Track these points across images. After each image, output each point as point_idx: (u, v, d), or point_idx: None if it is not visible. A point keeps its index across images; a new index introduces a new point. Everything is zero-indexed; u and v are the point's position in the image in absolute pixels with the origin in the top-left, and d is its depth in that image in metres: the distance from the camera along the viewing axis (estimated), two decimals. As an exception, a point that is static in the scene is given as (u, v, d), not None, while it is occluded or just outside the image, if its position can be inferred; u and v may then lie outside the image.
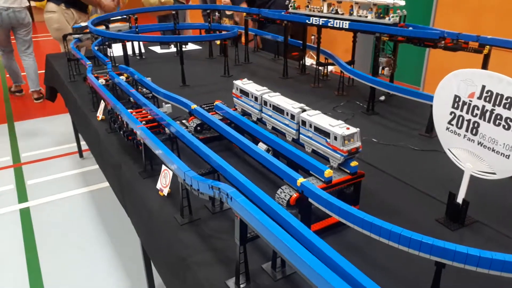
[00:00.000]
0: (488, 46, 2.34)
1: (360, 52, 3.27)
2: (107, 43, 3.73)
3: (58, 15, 4.62)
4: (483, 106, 1.34)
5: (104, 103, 2.57)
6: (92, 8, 5.02)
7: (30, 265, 3.08)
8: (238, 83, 2.13)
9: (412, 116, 2.62)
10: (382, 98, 2.92)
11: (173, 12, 4.26)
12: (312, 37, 7.61)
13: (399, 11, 2.68)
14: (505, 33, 5.30)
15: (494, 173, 1.37)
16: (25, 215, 3.71)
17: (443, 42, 2.47)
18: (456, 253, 1.05)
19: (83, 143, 4.62)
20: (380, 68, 2.77)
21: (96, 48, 3.54)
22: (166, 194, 1.72)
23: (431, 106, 2.25)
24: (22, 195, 4.02)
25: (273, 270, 1.31)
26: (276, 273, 1.29)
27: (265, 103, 1.94)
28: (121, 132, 2.15)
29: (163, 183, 1.74)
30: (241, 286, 1.24)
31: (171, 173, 1.68)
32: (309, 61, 6.17)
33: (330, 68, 3.50)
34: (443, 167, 1.91)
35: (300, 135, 1.74)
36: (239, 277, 1.23)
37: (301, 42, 3.61)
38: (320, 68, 3.36)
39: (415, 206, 1.68)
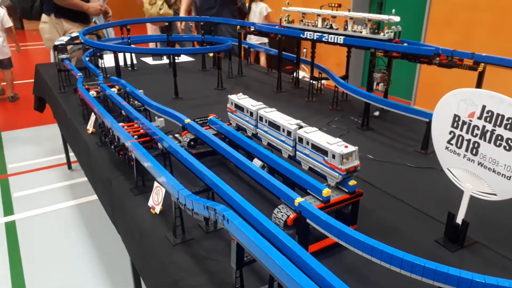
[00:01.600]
0: (482, 64, 2.35)
1: (352, 67, 3.27)
2: (98, 53, 3.69)
3: (49, 26, 4.57)
4: (484, 126, 1.32)
5: (95, 116, 2.52)
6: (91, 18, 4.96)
7: (15, 281, 2.97)
8: (233, 97, 2.10)
9: (407, 132, 2.61)
10: (377, 113, 2.91)
11: (166, 23, 4.24)
12: (304, 50, 7.67)
13: (393, 27, 2.68)
14: (496, 48, 5.40)
15: (494, 194, 1.34)
16: (11, 228, 3.60)
17: (437, 58, 2.48)
18: (460, 279, 1.02)
19: (71, 154, 4.52)
20: (375, 83, 2.76)
21: (87, 58, 3.49)
22: (158, 212, 1.67)
23: (426, 122, 2.26)
24: (8, 208, 3.91)
25: (269, 294, 1.25)
26: (273, 298, 1.24)
27: (261, 118, 1.91)
28: (112, 147, 2.10)
29: (155, 201, 1.69)
30: (237, 312, 1.19)
31: (163, 190, 1.63)
32: (302, 73, 6.20)
33: (323, 81, 3.49)
34: (440, 185, 1.89)
35: (297, 152, 1.71)
36: (234, 302, 1.18)
37: (295, 56, 3.61)
38: (314, 82, 3.35)
39: (414, 226, 1.65)
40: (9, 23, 6.85)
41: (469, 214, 1.46)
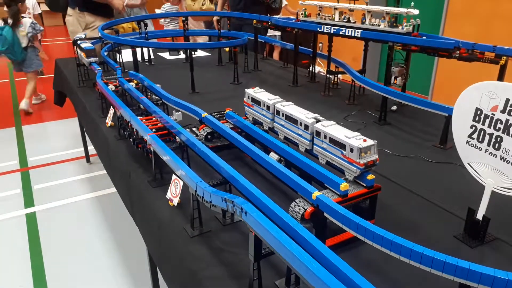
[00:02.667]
0: (505, 57, 2.29)
1: (368, 61, 3.23)
2: (116, 48, 3.72)
3: (73, 19, 4.65)
4: (507, 120, 1.29)
5: (113, 110, 2.55)
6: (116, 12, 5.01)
7: (35, 271, 3.05)
8: (249, 91, 2.10)
9: (425, 126, 2.57)
10: (394, 108, 2.87)
11: (183, 18, 4.25)
12: (320, 44, 7.61)
13: (412, 20, 2.64)
14: (518, 42, 5.25)
15: (517, 190, 1.32)
16: (31, 220, 3.69)
17: (457, 52, 2.43)
18: (482, 275, 1.00)
19: (90, 147, 4.60)
20: (393, 77, 2.73)
21: (105, 53, 3.53)
22: (176, 204, 1.69)
23: (445, 117, 2.22)
24: (29, 200, 4.00)
25: (286, 287, 1.26)
26: (290, 290, 1.25)
27: (278, 112, 1.90)
28: (131, 140, 2.12)
29: (173, 193, 1.70)
30: (255, 303, 1.20)
31: (181, 182, 1.64)
32: (318, 68, 6.16)
33: (339, 76, 3.46)
34: (459, 181, 1.87)
35: (314, 146, 1.70)
36: (252, 294, 1.19)
37: (311, 50, 3.58)
38: (330, 76, 3.32)
39: (432, 222, 1.63)
40: (38, 9, 7.66)
41: (489, 210, 1.43)
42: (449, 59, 2.46)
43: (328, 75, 3.31)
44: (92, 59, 3.11)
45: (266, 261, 1.32)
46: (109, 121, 2.63)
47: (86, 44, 3.29)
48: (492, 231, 1.50)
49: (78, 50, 3.44)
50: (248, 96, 2.12)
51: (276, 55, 7.76)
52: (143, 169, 2.04)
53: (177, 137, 1.92)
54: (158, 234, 1.68)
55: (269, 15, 3.96)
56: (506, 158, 1.32)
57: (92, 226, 3.58)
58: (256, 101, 2.05)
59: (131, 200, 2.06)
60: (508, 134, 1.30)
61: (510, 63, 2.35)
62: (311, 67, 3.73)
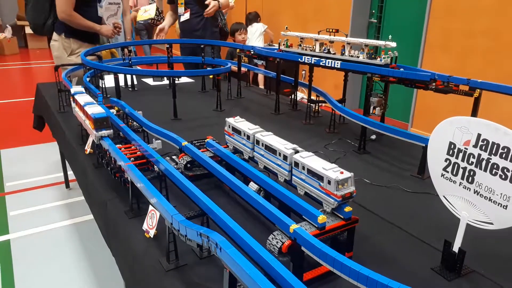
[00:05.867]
0: (478, 90, 2.37)
1: (349, 89, 3.29)
2: (99, 74, 3.72)
3: (58, 44, 4.64)
4: (479, 155, 1.32)
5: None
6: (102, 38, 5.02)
7: (6, 303, 2.93)
8: (230, 120, 2.11)
9: (404, 156, 2.61)
10: (373, 137, 2.91)
11: (167, 46, 4.29)
12: (303, 72, 7.78)
13: (390, 52, 2.72)
14: (491, 75, 5.46)
15: (491, 223, 1.33)
16: (5, 248, 3.56)
17: (434, 84, 2.50)
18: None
19: (70, 173, 4.52)
20: (372, 107, 2.78)
21: (88, 79, 3.52)
22: (152, 236, 1.65)
23: (422, 147, 2.27)
24: (3, 227, 3.87)
25: (263, 324, 1.23)
26: (267, 327, 1.22)
27: (257, 142, 1.91)
28: (109, 169, 2.09)
29: (150, 224, 1.67)
30: None
31: (158, 214, 1.62)
32: (300, 95, 6.26)
33: (320, 104, 3.51)
34: (437, 211, 1.88)
35: (293, 177, 1.70)
36: (227, 332, 1.16)
37: (293, 79, 3.64)
38: (311, 105, 3.37)
39: (410, 253, 1.63)
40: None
41: (466, 242, 1.44)
42: (426, 90, 2.52)
43: (309, 104, 3.35)
44: (105, 132, 2.13)
45: (242, 296, 1.29)
46: (88, 148, 2.59)
47: (95, 109, 2.16)
48: (469, 264, 1.51)
49: (81, 113, 2.44)
50: (229, 125, 2.12)
51: (261, 81, 7.86)
52: (120, 198, 2.00)
53: (155, 167, 1.90)
54: (133, 266, 1.63)
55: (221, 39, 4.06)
56: (479, 192, 1.34)
57: (69, 254, 3.47)
58: (237, 130, 2.06)
59: (107, 230, 2.01)
60: (480, 168, 1.32)
61: (484, 95, 2.43)
62: (293, 95, 3.78)
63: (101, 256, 3.39)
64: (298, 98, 3.84)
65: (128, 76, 4.40)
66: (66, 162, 4.13)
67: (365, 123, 2.57)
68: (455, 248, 1.47)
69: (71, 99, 2.69)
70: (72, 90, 2.62)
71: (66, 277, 3.19)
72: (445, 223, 1.55)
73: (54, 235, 3.77)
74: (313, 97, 3.38)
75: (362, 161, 2.55)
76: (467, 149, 1.36)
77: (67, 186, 4.64)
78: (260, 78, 7.92)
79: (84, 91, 2.65)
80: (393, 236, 1.75)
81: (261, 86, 7.46)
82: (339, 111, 2.91)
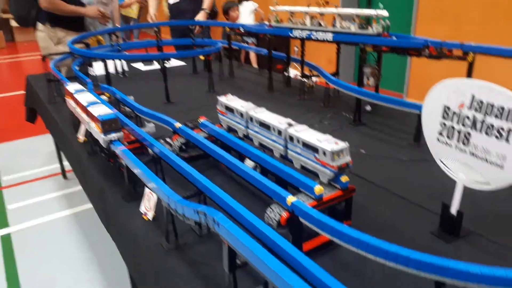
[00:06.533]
0: (472, 54, 2.34)
1: (343, 62, 3.26)
2: (88, 62, 3.66)
3: (44, 34, 4.54)
4: (474, 116, 1.31)
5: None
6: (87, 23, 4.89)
7: (12, 295, 2.95)
8: (222, 99, 2.08)
9: (399, 125, 2.60)
10: (369, 108, 2.90)
11: (155, 29, 4.21)
12: (295, 49, 7.70)
13: (382, 21, 2.67)
14: (487, 40, 5.40)
15: (487, 184, 1.33)
16: (6, 241, 3.57)
17: (427, 50, 2.47)
18: (457, 271, 1.01)
19: (66, 163, 4.50)
20: (365, 78, 2.75)
21: (77, 68, 3.46)
22: (151, 218, 1.65)
23: (418, 115, 2.25)
24: (3, 221, 3.87)
25: (265, 297, 1.24)
26: (269, 300, 1.23)
27: (251, 119, 1.89)
28: (103, 155, 2.08)
29: (147, 207, 1.67)
30: (233, 316, 1.17)
31: (155, 196, 1.61)
32: (293, 72, 6.20)
33: (314, 79, 3.48)
34: (434, 177, 1.87)
35: (288, 151, 1.69)
36: (229, 306, 1.16)
37: (285, 55, 3.59)
38: (305, 80, 3.34)
39: (409, 219, 1.63)
40: None
41: (464, 204, 1.45)
42: (419, 57, 2.49)
43: (302, 79, 3.32)
44: (114, 136, 1.91)
45: (244, 270, 1.30)
46: (81, 136, 2.57)
47: (101, 109, 1.95)
48: (467, 225, 1.51)
49: (85, 117, 2.14)
50: (221, 104, 2.10)
51: (253, 59, 7.78)
52: (116, 184, 1.99)
53: (150, 150, 1.89)
54: (134, 250, 1.63)
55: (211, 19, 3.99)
56: (475, 153, 1.34)
57: (71, 244, 3.49)
58: (229, 109, 2.03)
59: (106, 216, 2.01)
60: (475, 130, 1.31)
61: (479, 60, 2.40)
62: (285, 72, 3.74)
63: (102, 243, 3.41)
64: (291, 76, 3.80)
65: (118, 63, 4.33)
66: (62, 153, 4.11)
67: (359, 94, 2.54)
68: (453, 210, 1.47)
69: (65, 93, 2.52)
70: (72, 89, 2.39)
71: (69, 267, 3.21)
72: (443, 189, 1.55)
73: (54, 226, 3.77)
74: (307, 73, 3.35)
75: (358, 133, 2.54)
76: (461, 111, 1.35)
77: (64, 176, 4.63)
78: (253, 57, 7.84)
79: (84, 88, 2.46)
80: (391, 204, 1.75)
81: (254, 65, 7.39)
82: (333, 84, 2.88)
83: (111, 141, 1.90)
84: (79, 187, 4.19)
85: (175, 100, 3.30)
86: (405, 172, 2.03)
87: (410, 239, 1.51)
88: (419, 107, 2.20)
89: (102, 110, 1.95)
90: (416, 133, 2.29)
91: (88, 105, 2.03)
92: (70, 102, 2.44)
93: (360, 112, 2.68)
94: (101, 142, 1.93)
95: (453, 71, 2.21)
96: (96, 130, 1.96)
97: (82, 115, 2.17)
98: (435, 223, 1.56)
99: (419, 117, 2.23)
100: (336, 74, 3.12)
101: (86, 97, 2.17)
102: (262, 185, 1.48)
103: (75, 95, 2.26)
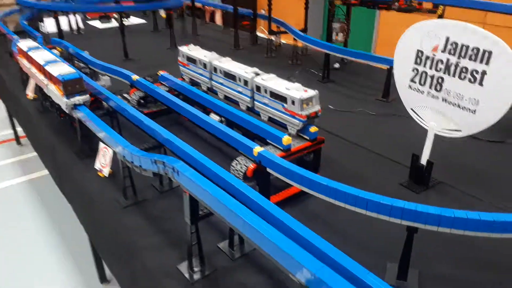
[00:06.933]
0: (441, 6, 2.29)
1: (311, 19, 3.15)
2: (38, 16, 3.35)
3: None
4: (448, 60, 1.25)
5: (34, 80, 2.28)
6: None
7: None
8: (183, 49, 1.95)
9: (368, 82, 2.55)
10: (337, 65, 2.83)
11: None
12: (263, 11, 7.48)
13: (351, -27, 2.56)
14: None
15: (459, 130, 1.30)
16: (-44, 211, 3.33)
17: (396, 4, 2.40)
18: (429, 215, 0.97)
19: (19, 129, 4.21)
20: (334, 34, 2.66)
21: (25, 22, 3.17)
22: (107, 175, 1.53)
23: (387, 69, 2.20)
24: (-48, 190, 3.61)
25: (230, 249, 1.17)
26: (234, 252, 1.16)
27: (215, 69, 1.77)
28: (54, 110, 1.91)
29: (103, 163, 1.54)
30: (195, 270, 1.10)
31: (110, 151, 1.48)
32: (260, 34, 6.02)
33: (282, 41, 3.36)
34: (402, 131, 1.85)
35: (255, 102, 1.60)
36: (191, 260, 1.09)
37: (251, 11, 3.43)
38: (272, 38, 3.21)
39: (378, 172, 1.60)
40: None
41: (433, 155, 1.42)
42: (388, 10, 2.42)
43: (269, 36, 3.19)
44: (79, 99, 1.62)
45: (207, 223, 1.22)
46: (30, 93, 2.36)
47: (61, 69, 1.67)
48: (437, 176, 1.49)
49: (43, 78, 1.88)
50: (183, 55, 1.96)
51: (218, 19, 7.49)
52: (69, 140, 1.83)
53: (105, 103, 1.74)
54: (90, 209, 1.52)
55: None
56: (447, 99, 1.29)
57: (28, 210, 3.30)
58: (192, 60, 1.90)
59: (59, 175, 1.87)
60: (449, 74, 1.26)
61: (449, 13, 2.35)
62: (252, 29, 3.58)
63: (59, 208, 3.24)
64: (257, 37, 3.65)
65: (73, 19, 4.01)
66: (14, 119, 3.83)
67: (328, 49, 2.46)
68: (423, 160, 1.44)
69: (18, 51, 2.19)
70: (25, 46, 2.05)
71: (26, 233, 3.04)
72: (412, 141, 1.52)
73: (9, 192, 3.55)
74: (274, 30, 3.21)
75: (326, 89, 2.47)
76: (435, 55, 1.29)
77: (18, 142, 4.34)
78: (218, 16, 7.54)
79: (39, 46, 2.10)
80: (361, 157, 1.71)
81: (219, 23, 7.11)
82: (301, 39, 2.78)
83: (74, 105, 1.62)
84: (35, 153, 3.96)
85: (135, 57, 3.11)
86: (374, 126, 1.99)
87: (379, 190, 1.44)
88: (389, 61, 2.14)
89: (62, 69, 1.68)
90: (385, 89, 2.25)
91: (46, 63, 1.75)
92: (24, 62, 2.17)
93: (329, 69, 2.60)
94: (63, 106, 1.65)
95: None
96: (56, 93, 1.67)
97: (40, 77, 1.87)
98: (404, 176, 1.53)
99: (388, 71, 2.19)
100: (304, 30, 3.01)
101: (42, 55, 1.89)
102: (228, 136, 1.39)
103: (30, 53, 1.96)
